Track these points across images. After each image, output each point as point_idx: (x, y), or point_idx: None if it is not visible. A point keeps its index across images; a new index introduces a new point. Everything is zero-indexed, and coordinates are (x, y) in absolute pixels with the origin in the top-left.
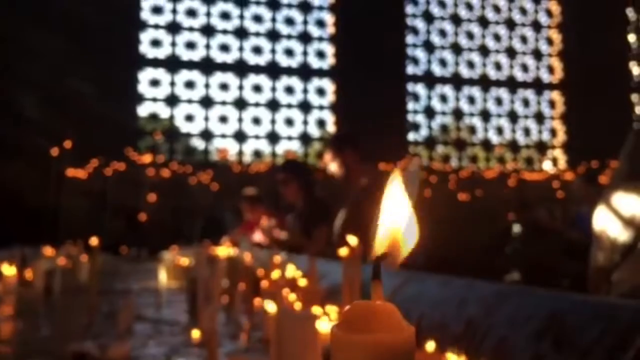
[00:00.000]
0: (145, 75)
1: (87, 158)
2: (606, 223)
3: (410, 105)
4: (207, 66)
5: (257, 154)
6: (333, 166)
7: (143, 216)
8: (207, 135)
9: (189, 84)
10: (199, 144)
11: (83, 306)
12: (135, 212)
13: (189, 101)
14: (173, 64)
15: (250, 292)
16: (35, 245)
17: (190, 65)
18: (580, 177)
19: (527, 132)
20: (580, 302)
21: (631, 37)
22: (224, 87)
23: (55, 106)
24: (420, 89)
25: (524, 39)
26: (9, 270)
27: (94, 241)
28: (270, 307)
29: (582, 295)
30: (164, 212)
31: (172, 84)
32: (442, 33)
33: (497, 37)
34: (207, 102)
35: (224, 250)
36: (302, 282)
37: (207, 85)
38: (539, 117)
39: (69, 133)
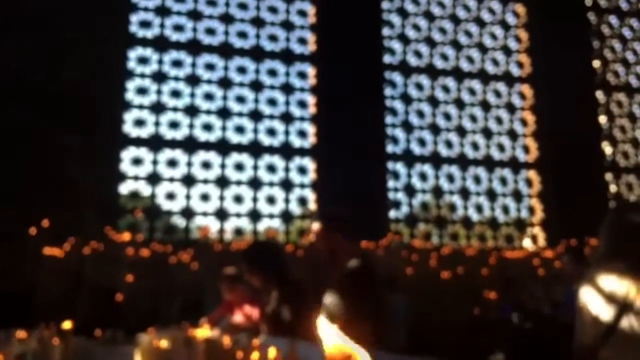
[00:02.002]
0: (127, 154)
1: (66, 236)
2: (588, 302)
3: (391, 183)
4: (190, 145)
5: (239, 231)
6: (319, 245)
7: (120, 297)
8: (188, 213)
9: (172, 163)
10: (179, 222)
11: None
12: (111, 292)
13: (171, 179)
14: (156, 142)
15: None
16: (8, 328)
17: (173, 144)
18: (566, 255)
19: (505, 210)
20: None
21: (602, 118)
22: (206, 165)
23: (35, 184)
24: (400, 167)
25: (499, 120)
26: None
27: (66, 325)
28: None
29: None
30: (141, 292)
31: (155, 162)
32: (421, 114)
33: (473, 118)
34: (189, 181)
35: (203, 332)
36: None
37: (189, 164)
38: (517, 195)
39: (47, 211)
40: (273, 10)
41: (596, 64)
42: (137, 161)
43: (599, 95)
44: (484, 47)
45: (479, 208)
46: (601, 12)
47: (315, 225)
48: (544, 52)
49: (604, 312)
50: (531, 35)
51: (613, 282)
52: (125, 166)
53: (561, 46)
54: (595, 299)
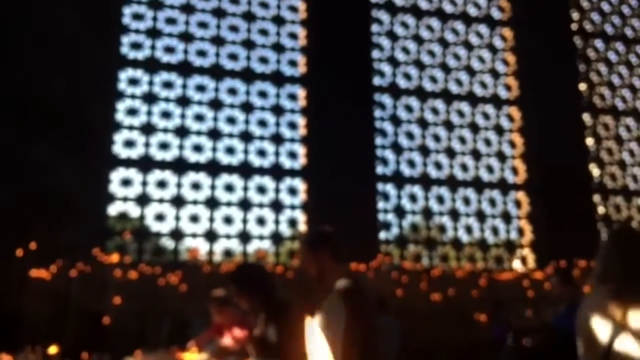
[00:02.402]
0: (117, 175)
1: (53, 258)
2: (587, 324)
3: (381, 205)
4: (180, 166)
5: (228, 253)
6: (307, 266)
7: (107, 319)
8: (177, 234)
9: (161, 184)
10: (169, 243)
11: None
12: (98, 315)
13: (160, 200)
14: (146, 164)
15: None
16: None
17: (163, 165)
18: (555, 276)
19: (495, 231)
20: None
21: (589, 141)
22: (196, 186)
23: (23, 205)
24: (390, 188)
25: (488, 142)
26: None
27: (52, 348)
28: None
29: None
30: (129, 314)
31: (144, 183)
32: (410, 135)
33: (462, 140)
34: (178, 202)
35: (191, 356)
36: None
37: (179, 185)
38: (506, 217)
39: (35, 233)
40: (264, 32)
41: (582, 87)
42: (126, 182)
43: (586, 117)
44: (472, 70)
45: (468, 229)
46: (587, 37)
47: (303, 245)
48: (532, 75)
49: (601, 333)
50: (518, 58)
51: (607, 304)
52: (115, 187)
53: (548, 69)
54: (592, 321)
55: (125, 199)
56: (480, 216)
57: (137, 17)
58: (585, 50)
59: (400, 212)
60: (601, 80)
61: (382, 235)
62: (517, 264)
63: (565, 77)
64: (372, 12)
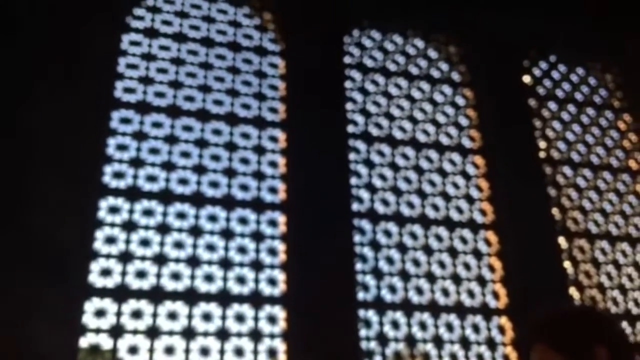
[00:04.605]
0: (90, 306)
1: None
2: None
3: (363, 332)
4: (157, 295)
5: None
6: None
7: None
8: None
9: (136, 314)
10: None
11: None
12: None
13: (135, 332)
14: (121, 293)
15: None
16: None
17: (139, 294)
18: None
19: (480, 359)
20: None
21: (566, 264)
22: (172, 316)
23: None
24: (371, 315)
25: (467, 266)
26: None
27: None
28: None
29: None
30: None
31: (118, 314)
32: (390, 260)
33: (441, 264)
34: (153, 333)
35: None
36: None
37: (154, 315)
38: (491, 344)
39: None
40: (245, 161)
41: (555, 211)
42: (100, 313)
43: (562, 241)
44: (447, 196)
45: (453, 358)
46: (555, 164)
47: None
48: (505, 200)
49: None
50: (491, 184)
51: None
52: (88, 318)
53: (520, 195)
54: None
55: (97, 331)
56: (465, 343)
57: (121, 147)
58: (555, 176)
59: (383, 339)
60: (572, 205)
61: None
62: None
63: (537, 202)
64: (349, 142)
